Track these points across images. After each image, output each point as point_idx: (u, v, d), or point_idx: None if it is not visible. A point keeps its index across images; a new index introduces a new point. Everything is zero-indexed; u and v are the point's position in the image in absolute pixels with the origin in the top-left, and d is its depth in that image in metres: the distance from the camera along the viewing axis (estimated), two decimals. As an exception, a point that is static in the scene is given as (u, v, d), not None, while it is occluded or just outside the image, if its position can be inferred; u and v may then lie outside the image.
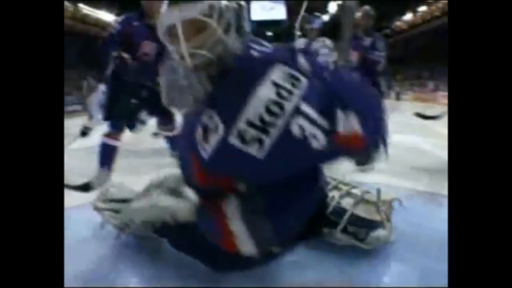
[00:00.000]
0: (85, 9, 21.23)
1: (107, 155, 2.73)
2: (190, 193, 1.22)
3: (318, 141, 0.98)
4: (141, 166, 3.31)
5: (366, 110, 1.06)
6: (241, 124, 0.98)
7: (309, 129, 0.98)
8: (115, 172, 2.72)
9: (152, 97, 2.73)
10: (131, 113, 2.82)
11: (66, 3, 19.17)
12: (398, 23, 28.75)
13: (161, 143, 3.35)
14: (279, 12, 25.01)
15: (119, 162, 2.81)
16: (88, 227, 1.75)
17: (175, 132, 3.07)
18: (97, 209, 1.67)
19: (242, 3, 1.13)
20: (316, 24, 4.32)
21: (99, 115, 5.07)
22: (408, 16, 27.35)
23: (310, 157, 1.01)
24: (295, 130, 0.97)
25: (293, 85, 1.01)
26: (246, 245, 1.08)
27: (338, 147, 1.01)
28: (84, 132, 4.99)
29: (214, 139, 1.01)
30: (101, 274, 1.42)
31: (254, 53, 1.10)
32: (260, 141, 0.97)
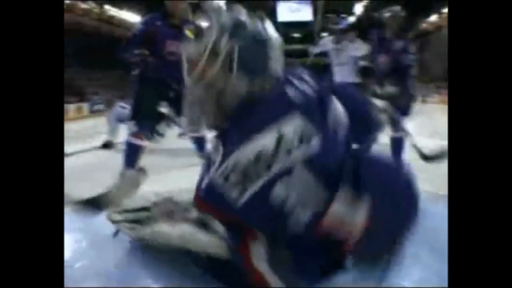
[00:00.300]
0: (111, 10, 21.81)
1: (132, 154, 2.80)
2: (219, 227, 1.15)
3: (298, 219, 0.90)
4: (167, 164, 3.34)
5: (388, 209, 0.90)
6: (229, 164, 0.92)
7: (292, 200, 0.90)
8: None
9: (178, 97, 2.80)
10: (155, 113, 2.87)
11: (92, 4, 19.84)
12: (423, 24, 28.24)
13: (187, 143, 3.39)
14: (306, 14, 24.80)
15: (145, 161, 2.84)
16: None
17: (201, 134, 3.13)
18: (113, 222, 1.63)
19: (269, 37, 1.03)
20: (342, 25, 4.32)
21: (117, 128, 5.18)
22: (433, 18, 26.83)
23: (284, 227, 0.93)
24: (276, 195, 0.90)
25: (300, 142, 0.91)
26: (275, 282, 1.00)
27: (322, 232, 0.90)
28: (106, 145, 5.14)
29: (211, 171, 0.96)
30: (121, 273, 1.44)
31: (287, 89, 0.98)
32: (243, 188, 0.91)
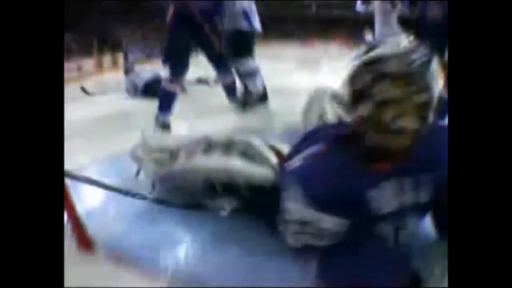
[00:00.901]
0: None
1: (167, 100, 2.84)
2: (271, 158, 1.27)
3: None
4: (199, 108, 3.36)
5: None
6: None
7: None
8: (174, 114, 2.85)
9: (210, 42, 2.87)
10: (188, 57, 2.90)
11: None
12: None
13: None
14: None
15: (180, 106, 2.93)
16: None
17: (231, 80, 3.17)
18: (137, 158, 1.64)
19: None
20: None
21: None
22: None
23: None
24: None
25: None
26: None
27: None
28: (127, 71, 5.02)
29: None
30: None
31: None
32: None
